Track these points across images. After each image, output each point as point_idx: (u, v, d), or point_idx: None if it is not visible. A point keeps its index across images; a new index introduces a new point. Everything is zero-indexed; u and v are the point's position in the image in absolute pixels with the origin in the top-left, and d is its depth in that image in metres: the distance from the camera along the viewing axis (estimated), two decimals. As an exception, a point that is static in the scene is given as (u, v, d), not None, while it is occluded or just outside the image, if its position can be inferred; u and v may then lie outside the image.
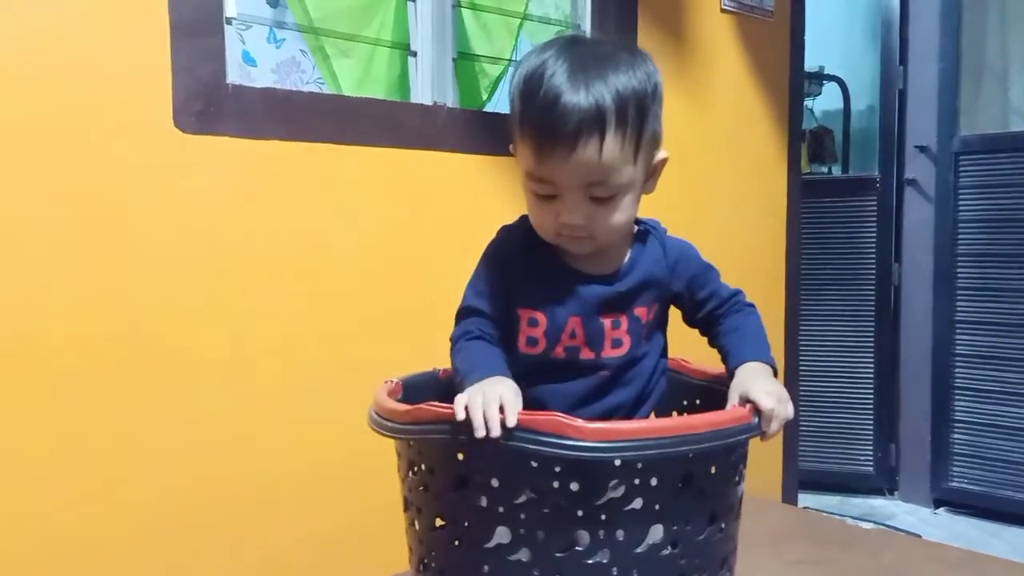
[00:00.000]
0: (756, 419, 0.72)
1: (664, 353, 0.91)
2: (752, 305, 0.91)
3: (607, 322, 0.84)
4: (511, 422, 0.66)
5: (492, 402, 0.67)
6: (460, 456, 0.72)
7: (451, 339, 0.82)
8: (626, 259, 0.87)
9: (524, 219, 0.84)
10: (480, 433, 0.66)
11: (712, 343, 0.89)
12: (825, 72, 3.12)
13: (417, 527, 0.79)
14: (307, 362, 1.14)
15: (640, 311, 0.86)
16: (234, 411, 1.08)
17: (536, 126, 0.75)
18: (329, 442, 1.15)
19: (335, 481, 1.17)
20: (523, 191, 0.80)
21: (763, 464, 2.02)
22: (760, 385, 0.76)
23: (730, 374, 0.82)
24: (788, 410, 0.75)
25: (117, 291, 0.99)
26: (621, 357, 0.85)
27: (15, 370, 0.93)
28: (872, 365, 2.91)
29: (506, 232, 0.86)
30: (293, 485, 1.13)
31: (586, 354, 0.84)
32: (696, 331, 0.90)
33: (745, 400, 0.75)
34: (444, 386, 0.89)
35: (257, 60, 2.27)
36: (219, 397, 1.07)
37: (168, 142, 1.03)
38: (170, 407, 1.03)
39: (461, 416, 0.67)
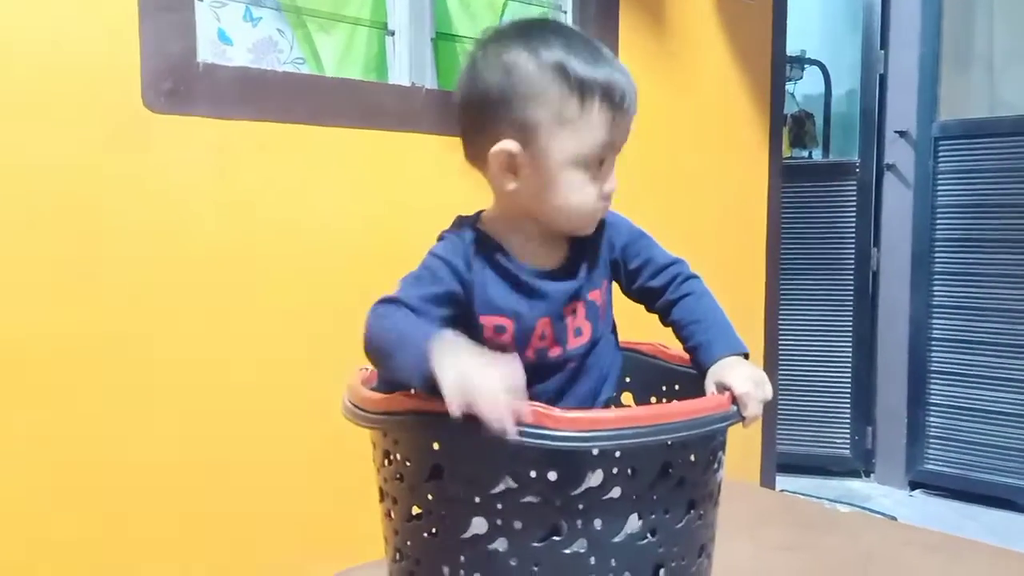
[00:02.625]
0: (735, 407, 0.71)
1: (614, 328, 0.89)
2: (698, 278, 0.88)
3: (568, 315, 0.83)
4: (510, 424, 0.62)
5: (494, 392, 0.61)
6: (436, 446, 0.71)
7: (366, 325, 0.74)
8: (567, 245, 0.84)
9: (466, 224, 0.80)
10: (500, 434, 0.62)
11: (675, 332, 0.87)
12: (807, 56, 3.12)
13: (393, 517, 0.78)
14: (280, 346, 1.13)
15: (594, 295, 0.85)
16: (208, 397, 1.07)
17: (612, 87, 0.75)
18: (304, 430, 1.14)
19: (312, 469, 1.15)
20: (552, 182, 0.76)
21: (741, 447, 2.03)
22: (736, 371, 0.76)
23: (702, 369, 0.81)
24: (766, 391, 0.75)
25: (83, 275, 0.97)
26: (585, 345, 0.84)
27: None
28: (850, 349, 2.93)
29: (453, 239, 0.79)
30: (270, 472, 1.12)
31: (554, 351, 0.82)
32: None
33: (721, 387, 0.75)
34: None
35: (233, 39, 2.22)
36: (192, 382, 1.05)
37: (136, 122, 1.00)
38: (142, 392, 1.01)
39: (458, 413, 0.62)
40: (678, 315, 0.85)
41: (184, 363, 1.05)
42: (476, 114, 0.77)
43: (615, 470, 0.69)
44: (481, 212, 0.84)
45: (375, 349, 0.72)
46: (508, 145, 0.75)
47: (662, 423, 0.66)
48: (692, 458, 0.73)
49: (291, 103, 1.14)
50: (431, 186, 1.23)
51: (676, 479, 0.71)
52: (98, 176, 0.98)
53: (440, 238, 0.81)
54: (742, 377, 0.74)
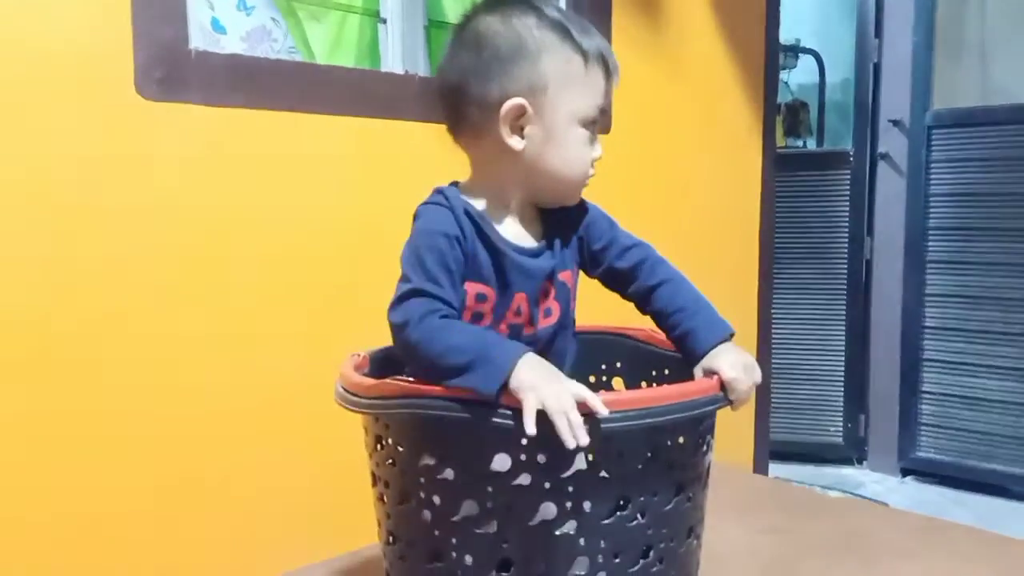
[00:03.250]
0: (723, 391, 0.72)
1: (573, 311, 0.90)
2: (666, 262, 0.91)
3: (541, 294, 0.84)
4: (603, 412, 0.64)
5: (570, 404, 0.64)
6: (427, 430, 0.72)
7: (403, 322, 0.72)
8: (542, 222, 0.85)
9: (448, 194, 0.80)
10: (571, 444, 0.63)
11: (658, 321, 0.88)
12: (801, 45, 3.12)
13: (385, 501, 0.79)
14: (272, 333, 1.13)
15: (565, 276, 0.86)
16: (200, 381, 1.07)
17: (605, 55, 0.81)
18: (297, 414, 1.14)
19: (304, 454, 1.16)
20: (558, 139, 0.79)
21: (734, 434, 2.04)
22: (725, 357, 0.78)
23: (692, 358, 0.82)
24: (755, 375, 0.77)
25: (76, 262, 0.97)
26: (553, 327, 0.85)
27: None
28: (843, 337, 2.94)
29: (439, 205, 0.79)
30: (263, 461, 1.13)
31: (527, 330, 0.83)
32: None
33: (710, 373, 0.77)
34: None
35: (227, 28, 2.21)
36: (185, 366, 1.06)
37: (130, 109, 1.00)
38: (135, 377, 1.02)
39: (533, 430, 0.63)
40: (660, 304, 0.87)
41: (175, 348, 1.05)
42: (483, 75, 0.77)
43: (604, 452, 0.70)
44: (457, 184, 0.84)
45: (440, 364, 0.69)
46: (520, 101, 0.77)
47: (650, 406, 0.67)
48: (681, 441, 0.74)
49: (283, 90, 1.14)
50: (422, 173, 1.23)
51: (665, 462, 0.72)
52: (92, 162, 0.98)
53: (423, 210, 0.80)
54: (730, 363, 0.76)
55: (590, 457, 0.69)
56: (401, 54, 1.39)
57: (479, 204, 0.82)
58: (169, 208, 1.04)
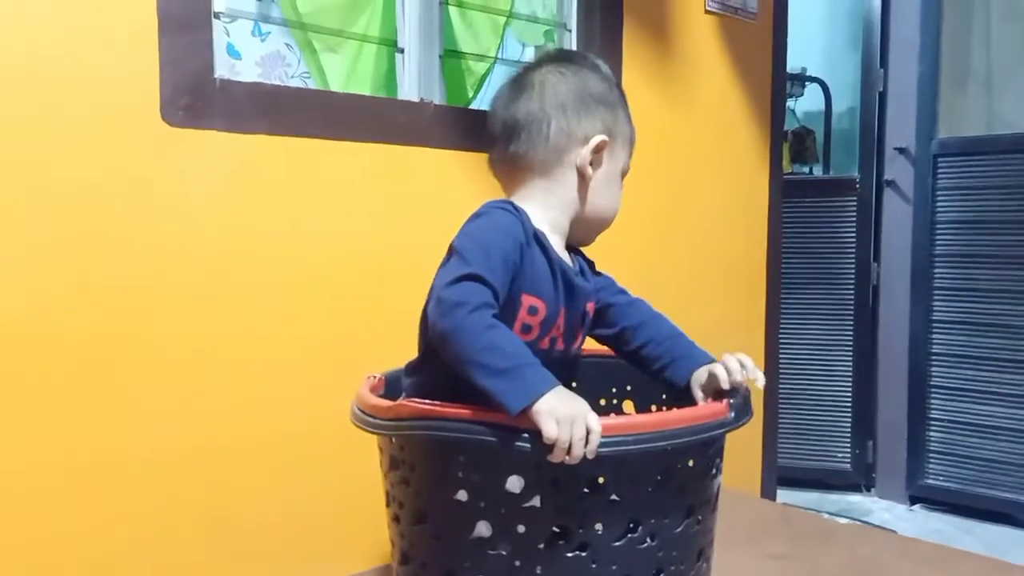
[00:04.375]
0: (732, 414, 0.74)
1: None
2: (653, 310, 1.01)
3: (579, 317, 0.90)
4: (592, 455, 0.66)
5: (579, 424, 0.66)
6: (441, 452, 0.73)
7: (459, 302, 0.72)
8: (569, 256, 0.93)
9: (516, 205, 0.85)
10: (558, 459, 0.66)
11: (646, 350, 0.96)
12: (807, 73, 3.15)
13: (399, 521, 0.80)
14: (291, 357, 1.15)
15: (590, 305, 0.93)
16: (219, 405, 1.09)
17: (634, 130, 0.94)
18: (314, 437, 1.16)
19: (319, 477, 1.17)
20: (611, 183, 0.91)
21: (742, 460, 2.05)
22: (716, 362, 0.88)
23: (682, 380, 0.91)
24: (750, 362, 0.85)
25: (102, 285, 0.99)
26: (576, 350, 0.93)
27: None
28: (850, 363, 2.94)
29: (511, 212, 0.83)
30: (278, 481, 1.14)
31: (559, 345, 0.88)
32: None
33: (710, 374, 0.86)
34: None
35: (242, 53, 2.26)
36: (204, 391, 1.07)
37: (156, 136, 1.03)
38: (154, 402, 1.03)
39: (555, 434, 0.65)
40: (647, 331, 0.96)
41: (196, 372, 1.07)
42: (574, 110, 0.88)
43: (615, 476, 0.71)
44: (511, 201, 0.88)
45: (478, 358, 0.70)
46: (606, 137, 0.89)
47: (661, 430, 0.69)
48: (691, 464, 0.75)
49: (303, 117, 1.17)
50: (438, 198, 1.26)
51: (675, 485, 0.74)
52: (119, 187, 1.01)
53: (490, 211, 0.84)
54: (723, 360, 0.85)
55: (601, 480, 0.71)
56: (418, 82, 1.42)
57: (537, 223, 0.86)
58: (192, 232, 1.06)
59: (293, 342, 1.15)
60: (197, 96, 1.06)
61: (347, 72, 1.42)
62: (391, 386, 0.90)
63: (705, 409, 0.73)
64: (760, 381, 0.84)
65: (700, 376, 0.89)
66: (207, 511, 1.08)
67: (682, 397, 0.89)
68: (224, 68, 1.57)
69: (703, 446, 0.75)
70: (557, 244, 0.89)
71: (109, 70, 1.00)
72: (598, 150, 0.89)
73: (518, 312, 0.82)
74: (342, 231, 1.20)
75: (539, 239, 0.85)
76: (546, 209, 0.89)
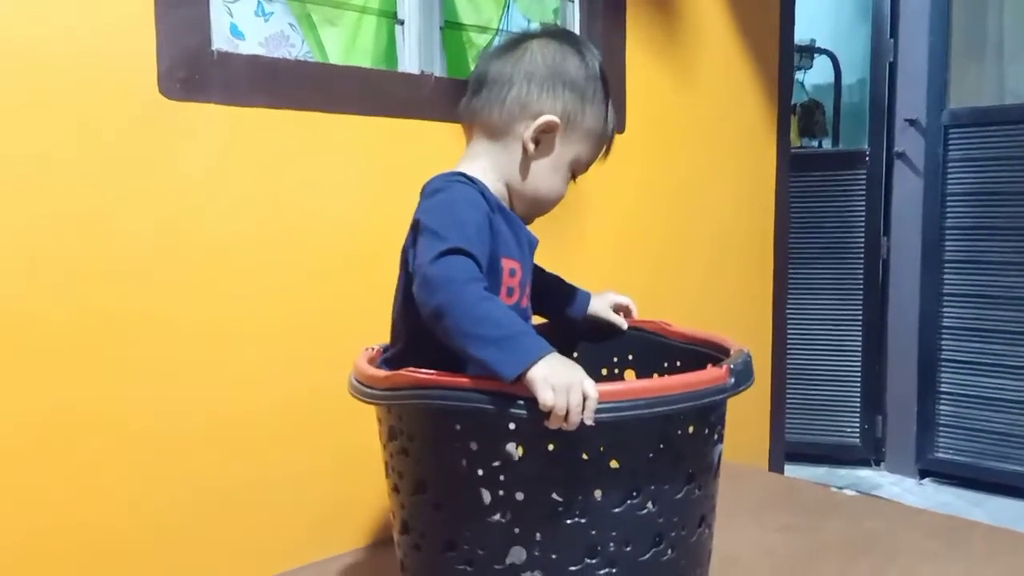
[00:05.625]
0: (732, 380, 0.73)
1: None
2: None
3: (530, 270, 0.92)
4: (589, 421, 0.66)
5: (576, 391, 0.66)
6: (438, 421, 0.73)
7: (447, 277, 0.72)
8: None
9: (469, 177, 0.85)
10: (556, 426, 0.66)
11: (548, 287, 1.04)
12: (816, 45, 3.11)
13: (399, 492, 0.80)
14: (290, 332, 1.15)
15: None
16: (218, 382, 1.08)
17: (610, 138, 0.94)
18: (316, 412, 1.16)
19: (321, 452, 1.18)
20: (554, 168, 0.89)
21: (750, 434, 2.04)
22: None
23: (581, 301, 1.05)
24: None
25: (99, 259, 0.99)
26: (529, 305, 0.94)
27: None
28: (859, 337, 2.93)
29: (469, 184, 0.84)
30: (280, 457, 1.14)
31: (524, 303, 0.90)
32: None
33: (616, 305, 1.04)
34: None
35: (245, 34, 2.25)
36: (203, 368, 1.07)
37: (153, 109, 1.02)
38: (151, 380, 1.03)
39: (551, 401, 0.65)
40: (542, 279, 1.02)
41: (194, 345, 1.07)
42: (539, 83, 0.86)
43: (614, 442, 0.71)
44: (457, 170, 0.88)
45: (471, 330, 0.70)
46: (556, 120, 0.86)
47: (659, 395, 0.68)
48: (691, 430, 0.75)
49: (302, 91, 1.16)
50: (438, 170, 1.25)
51: (674, 451, 0.73)
52: (116, 161, 1.00)
53: (449, 185, 0.83)
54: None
55: (599, 447, 0.71)
56: (418, 55, 1.41)
57: (487, 184, 0.87)
58: (190, 205, 1.06)
59: (292, 316, 1.15)
60: (195, 69, 1.05)
61: (346, 46, 1.41)
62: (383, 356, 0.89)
63: (704, 375, 0.73)
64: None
65: (600, 305, 1.04)
66: (209, 488, 1.08)
67: (577, 328, 1.05)
68: (229, 48, 1.56)
69: (703, 412, 0.75)
70: (505, 203, 0.90)
71: (105, 43, 0.99)
72: (545, 130, 0.86)
73: (502, 277, 0.84)
74: (341, 205, 1.20)
75: (499, 204, 0.86)
76: (488, 172, 0.88)
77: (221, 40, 1.45)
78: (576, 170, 0.92)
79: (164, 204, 1.04)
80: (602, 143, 0.92)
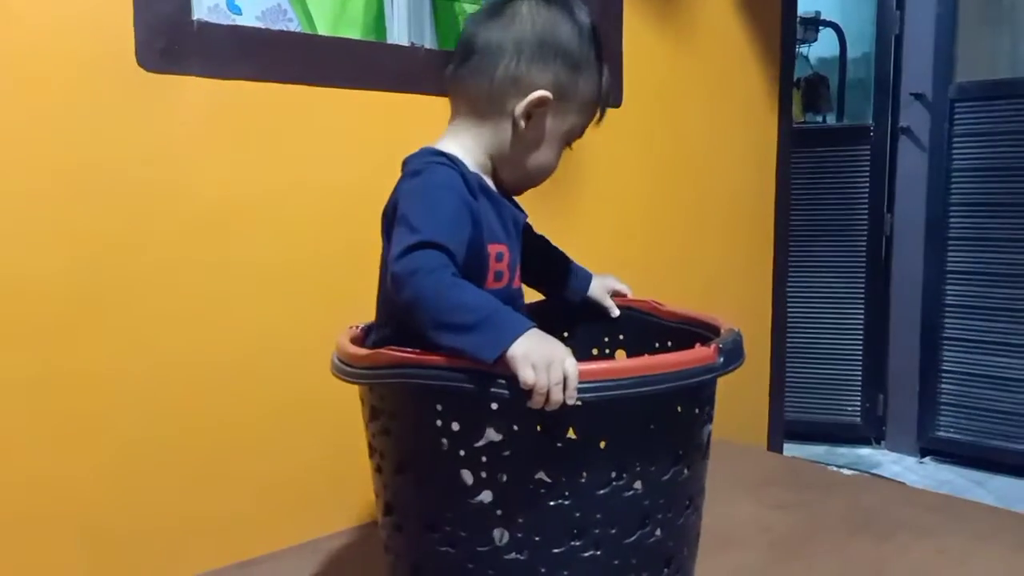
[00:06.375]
0: (720, 359, 0.71)
1: None
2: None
3: (519, 249, 0.88)
4: (571, 400, 0.64)
5: (556, 368, 0.63)
6: (419, 400, 0.71)
7: (412, 270, 0.69)
8: None
9: (449, 157, 0.81)
10: (538, 406, 0.63)
11: (548, 263, 1.02)
12: (821, 17, 3.06)
13: (382, 472, 0.79)
14: (274, 308, 1.13)
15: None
16: (201, 355, 1.07)
17: (610, 94, 0.88)
18: (299, 388, 1.14)
19: (307, 433, 1.16)
20: (547, 143, 0.85)
21: (749, 413, 2.02)
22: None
23: (582, 282, 1.02)
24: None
25: (78, 234, 0.97)
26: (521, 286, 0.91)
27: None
28: (861, 315, 2.91)
29: (449, 166, 0.80)
30: (266, 437, 1.13)
31: (516, 283, 0.87)
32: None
33: (613, 291, 1.02)
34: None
35: (242, 8, 2.21)
36: (187, 341, 1.06)
37: (131, 80, 0.99)
38: (136, 351, 1.02)
39: (532, 379, 0.62)
40: (552, 249, 1.02)
41: (177, 321, 1.05)
42: (528, 55, 0.82)
43: (599, 422, 0.69)
44: (437, 147, 0.84)
45: (445, 320, 0.67)
46: (548, 95, 0.82)
47: (645, 375, 0.66)
48: (679, 410, 0.73)
49: (286, 62, 1.13)
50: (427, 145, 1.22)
51: (661, 432, 0.71)
52: (93, 133, 0.98)
53: (427, 167, 0.80)
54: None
55: (587, 429, 0.69)
56: (408, 26, 1.38)
57: (469, 163, 0.83)
58: (171, 180, 1.04)
59: (276, 295, 1.13)
60: (174, 39, 1.02)
61: (335, 15, 1.38)
62: (369, 337, 0.87)
63: (691, 354, 0.70)
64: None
65: (598, 288, 1.01)
66: (194, 462, 1.07)
67: (575, 309, 1.02)
68: (220, 17, 1.53)
69: (691, 392, 0.72)
70: (490, 181, 0.86)
71: (81, 10, 0.96)
72: (538, 105, 0.82)
73: (488, 263, 0.80)
74: (327, 180, 1.17)
75: (482, 186, 0.82)
76: (473, 149, 0.85)
77: (217, 15, 1.42)
78: (570, 139, 0.88)
79: (143, 178, 1.02)
80: (596, 110, 0.88)
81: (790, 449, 2.44)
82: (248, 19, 2.26)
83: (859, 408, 2.95)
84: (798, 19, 2.35)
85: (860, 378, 2.93)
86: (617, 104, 1.56)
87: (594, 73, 0.85)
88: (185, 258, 1.05)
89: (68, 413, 0.97)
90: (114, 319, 1.00)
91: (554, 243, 1.04)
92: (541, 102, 0.82)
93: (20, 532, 0.95)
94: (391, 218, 0.78)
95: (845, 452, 2.91)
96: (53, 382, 0.96)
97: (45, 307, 0.96)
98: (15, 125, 0.93)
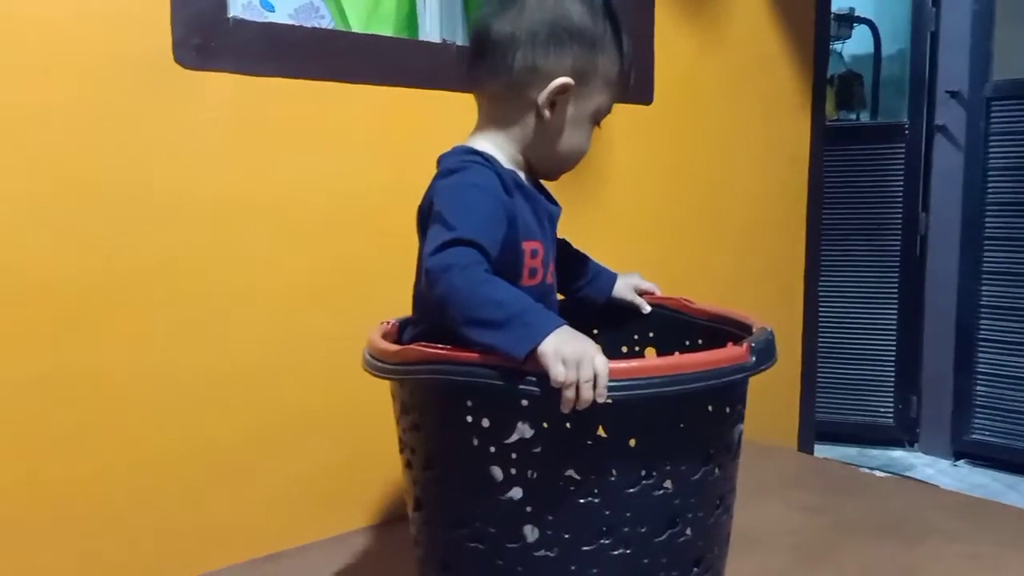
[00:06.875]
0: (752, 358, 0.70)
1: None
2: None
3: (553, 243, 0.89)
4: (601, 399, 0.63)
5: (587, 365, 0.62)
6: (449, 396, 0.71)
7: (445, 266, 0.69)
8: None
9: (485, 157, 0.81)
10: (569, 403, 0.63)
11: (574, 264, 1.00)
12: (855, 14, 3.02)
13: (412, 468, 0.79)
14: (303, 303, 1.13)
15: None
16: (227, 351, 1.08)
17: (632, 67, 0.87)
18: (327, 384, 1.15)
19: (334, 424, 1.17)
20: (575, 127, 0.84)
21: (779, 414, 2.01)
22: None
23: (606, 283, 1.01)
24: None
25: (110, 227, 0.98)
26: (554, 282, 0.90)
27: (2, 308, 0.93)
28: (895, 315, 2.87)
29: (484, 165, 0.80)
30: (290, 428, 1.14)
31: (549, 279, 0.87)
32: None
33: (640, 289, 1.01)
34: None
35: (275, 5, 2.23)
36: (213, 336, 1.07)
37: (167, 77, 1.01)
38: (161, 346, 1.03)
39: (563, 376, 0.62)
40: (565, 255, 0.98)
41: (204, 315, 1.06)
42: (544, 42, 0.80)
43: (628, 420, 0.69)
44: (470, 145, 0.85)
45: (474, 315, 0.67)
46: (569, 81, 0.81)
47: (675, 374, 0.66)
48: (709, 409, 0.73)
49: (319, 59, 1.14)
50: (458, 144, 1.23)
51: (692, 431, 0.71)
52: (128, 129, 0.99)
53: (463, 166, 0.80)
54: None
55: (617, 427, 0.68)
56: (439, 22, 1.38)
57: (503, 160, 0.83)
58: (204, 175, 1.05)
59: (304, 292, 1.13)
60: (210, 36, 1.04)
61: (368, 12, 1.38)
62: (405, 332, 0.88)
63: (722, 353, 0.70)
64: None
65: (624, 287, 1.00)
66: (216, 456, 1.08)
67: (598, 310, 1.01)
68: (254, 14, 1.54)
69: (721, 391, 0.72)
70: (524, 176, 0.86)
71: (119, 8, 0.98)
72: (559, 92, 0.81)
73: (523, 260, 0.80)
74: (358, 177, 1.18)
75: (516, 182, 0.82)
76: (504, 146, 0.84)
77: (251, 13, 1.44)
78: (598, 118, 0.87)
79: (176, 172, 1.03)
80: (620, 85, 0.86)
81: (820, 450, 2.41)
82: (281, 17, 2.28)
83: (892, 409, 2.91)
84: (832, 16, 2.32)
85: (893, 379, 2.90)
86: (648, 101, 1.55)
87: (613, 49, 0.83)
88: (213, 251, 1.06)
89: (81, 405, 0.98)
90: (138, 313, 1.01)
91: (581, 241, 1.04)
92: (563, 89, 0.81)
93: (46, 529, 0.97)
94: (427, 215, 0.78)
95: (877, 454, 2.87)
96: (70, 372, 0.97)
97: (67, 300, 0.97)
98: (54, 121, 0.95)
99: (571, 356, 0.63)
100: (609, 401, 0.64)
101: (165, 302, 1.03)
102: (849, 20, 3.01)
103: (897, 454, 2.89)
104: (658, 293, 1.02)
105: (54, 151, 0.95)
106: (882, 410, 2.93)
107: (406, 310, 0.89)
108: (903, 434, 2.92)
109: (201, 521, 1.07)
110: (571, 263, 1.00)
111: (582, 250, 1.03)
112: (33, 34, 0.93)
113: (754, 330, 0.79)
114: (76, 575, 0.98)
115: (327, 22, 2.32)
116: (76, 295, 0.97)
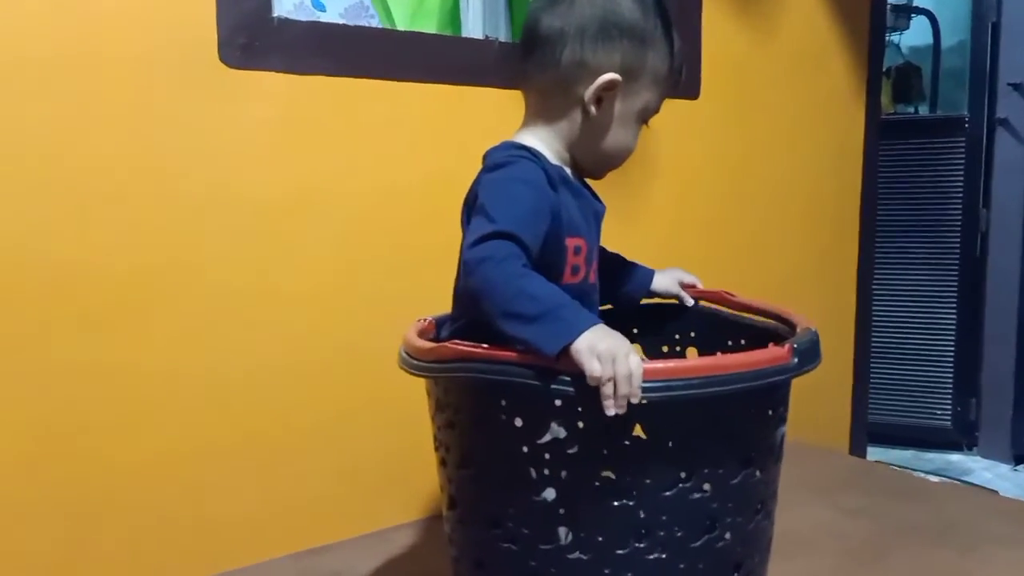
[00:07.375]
0: (795, 360, 0.68)
1: None
2: None
3: (597, 241, 0.88)
4: (636, 399, 0.62)
5: (622, 362, 0.61)
6: (484, 394, 0.71)
7: (483, 258, 0.69)
8: None
9: (533, 152, 0.81)
10: (611, 412, 0.62)
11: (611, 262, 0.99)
12: (913, 5, 2.94)
13: (446, 465, 0.79)
14: (347, 301, 1.14)
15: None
16: (269, 349, 1.09)
17: (682, 65, 0.86)
18: (368, 382, 1.16)
19: (372, 425, 1.17)
20: (622, 124, 0.84)
21: (830, 415, 1.96)
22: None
23: (642, 280, 1.01)
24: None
25: (155, 225, 1.00)
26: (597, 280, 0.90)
27: (46, 300, 0.94)
28: (953, 314, 2.78)
29: (531, 160, 0.79)
30: (329, 425, 1.14)
31: (592, 279, 0.86)
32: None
33: (684, 284, 1.00)
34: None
35: (325, 4, 2.25)
36: (255, 334, 1.08)
37: (214, 76, 1.02)
38: (204, 343, 1.04)
39: (598, 371, 0.61)
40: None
41: (248, 314, 1.07)
42: (593, 38, 0.80)
43: (665, 422, 0.67)
44: (517, 140, 0.84)
45: (508, 309, 0.66)
46: (617, 78, 0.80)
47: (714, 375, 0.64)
48: (749, 412, 0.71)
49: (362, 57, 1.14)
50: (501, 140, 1.22)
51: (731, 433, 0.69)
52: (175, 128, 1.01)
53: (511, 160, 0.79)
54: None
55: (653, 429, 0.67)
56: (482, 19, 1.38)
57: (549, 156, 0.83)
58: (250, 173, 1.06)
59: (346, 288, 1.14)
60: (255, 35, 1.05)
61: (413, 9, 1.38)
62: (443, 329, 0.88)
63: (763, 354, 0.68)
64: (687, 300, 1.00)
65: (666, 281, 1.00)
66: (256, 452, 1.09)
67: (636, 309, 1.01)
68: (305, 14, 1.55)
69: (762, 393, 0.70)
70: (571, 173, 0.86)
71: (166, 8, 0.99)
72: (607, 88, 0.80)
73: (566, 256, 0.80)
74: (401, 174, 1.18)
75: (563, 178, 0.82)
76: (551, 141, 0.84)
77: (303, 13, 1.45)
78: (646, 116, 0.86)
79: (222, 171, 1.04)
80: (669, 83, 0.85)
81: (874, 453, 2.35)
82: (332, 16, 2.30)
83: (950, 412, 2.82)
84: (888, 6, 2.25)
85: (951, 380, 2.81)
86: (695, 96, 1.53)
87: (663, 46, 0.83)
88: (258, 250, 1.07)
89: (127, 399, 1.00)
90: (182, 309, 1.03)
91: (626, 238, 1.03)
92: (610, 85, 0.80)
93: (93, 518, 0.99)
94: (471, 208, 0.78)
95: (933, 457, 2.79)
96: (116, 366, 0.99)
97: (112, 296, 0.99)
98: (102, 121, 0.96)
99: (606, 352, 0.61)
100: (644, 401, 0.63)
101: (216, 299, 1.05)
102: (907, 11, 2.92)
103: (955, 458, 2.80)
104: (700, 286, 1.00)
105: (98, 149, 0.97)
106: (939, 412, 2.84)
107: (448, 306, 0.88)
108: (961, 437, 2.83)
109: (243, 513, 1.08)
110: (608, 266, 0.98)
111: (620, 251, 1.02)
112: (78, 34, 0.94)
113: (799, 329, 0.77)
114: (119, 563, 1.01)
115: (376, 21, 2.34)
116: (121, 290, 0.99)
